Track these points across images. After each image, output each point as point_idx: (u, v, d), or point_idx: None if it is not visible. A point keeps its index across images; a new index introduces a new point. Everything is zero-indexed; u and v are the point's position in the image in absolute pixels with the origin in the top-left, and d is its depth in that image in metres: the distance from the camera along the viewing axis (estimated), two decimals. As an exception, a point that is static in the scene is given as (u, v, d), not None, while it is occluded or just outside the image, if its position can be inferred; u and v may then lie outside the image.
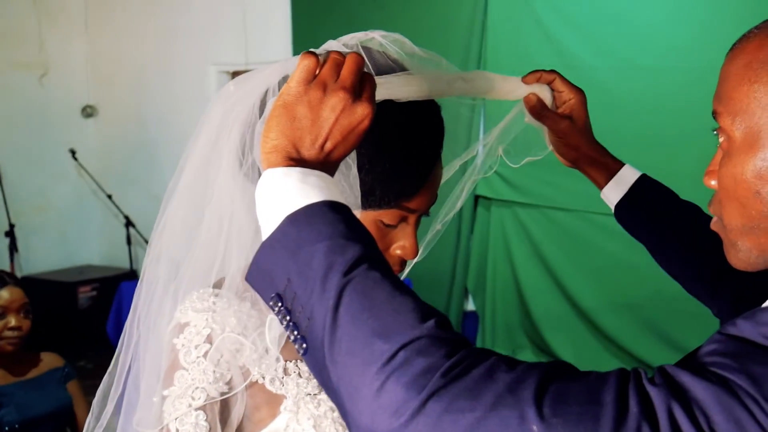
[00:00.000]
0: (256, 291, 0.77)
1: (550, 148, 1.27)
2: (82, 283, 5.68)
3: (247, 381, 0.94)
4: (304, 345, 0.71)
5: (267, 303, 0.75)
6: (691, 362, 0.68)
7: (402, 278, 1.02)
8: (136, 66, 6.19)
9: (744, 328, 0.68)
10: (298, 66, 0.81)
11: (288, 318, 0.72)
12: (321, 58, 0.83)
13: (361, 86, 0.83)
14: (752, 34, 0.79)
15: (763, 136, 0.75)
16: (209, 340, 0.94)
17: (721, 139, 0.81)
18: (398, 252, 1.01)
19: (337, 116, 0.80)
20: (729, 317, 1.15)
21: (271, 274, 0.74)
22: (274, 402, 0.95)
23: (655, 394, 0.64)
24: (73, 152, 6.06)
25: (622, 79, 4.41)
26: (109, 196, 5.93)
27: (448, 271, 5.06)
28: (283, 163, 0.78)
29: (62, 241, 6.28)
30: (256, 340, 0.95)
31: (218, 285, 0.99)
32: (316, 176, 0.78)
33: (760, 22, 0.80)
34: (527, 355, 4.91)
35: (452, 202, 1.24)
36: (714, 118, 0.82)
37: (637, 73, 4.38)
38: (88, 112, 6.42)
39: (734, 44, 0.81)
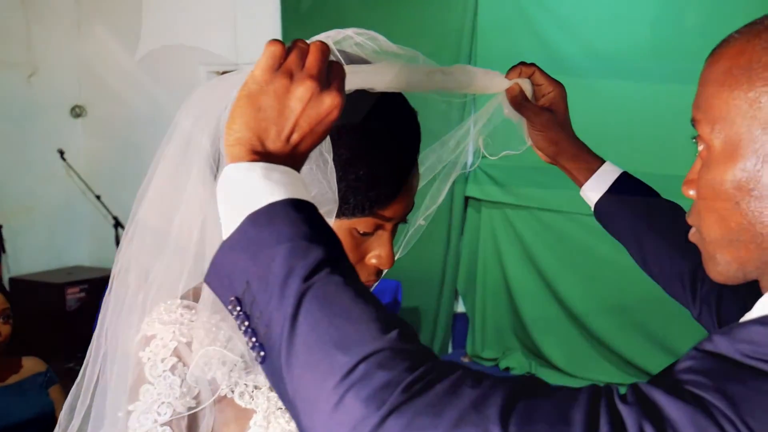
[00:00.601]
0: (215, 293, 0.74)
1: (529, 142, 1.24)
2: (70, 284, 5.62)
3: (215, 395, 0.91)
4: (262, 353, 0.68)
5: (226, 307, 0.72)
6: (666, 379, 0.65)
7: (373, 287, 1.00)
8: (125, 66, 6.15)
9: (721, 344, 0.66)
10: (263, 53, 0.77)
11: (247, 323, 0.69)
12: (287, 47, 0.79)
13: (330, 75, 0.79)
14: (732, 39, 0.76)
15: (744, 146, 0.72)
16: (176, 353, 0.91)
17: (700, 148, 0.78)
18: (374, 261, 0.98)
19: (304, 106, 0.76)
20: (709, 320, 1.13)
21: (230, 276, 0.71)
22: (243, 417, 0.92)
23: (627, 413, 0.61)
24: (61, 152, 6.01)
25: (613, 81, 4.40)
26: (98, 197, 5.88)
27: (438, 273, 5.05)
28: (246, 157, 0.75)
29: (51, 242, 6.24)
30: (231, 351, 0.92)
31: (187, 296, 0.96)
32: (280, 172, 0.74)
33: (741, 27, 0.78)
34: (517, 357, 4.91)
35: (434, 196, 1.22)
36: (693, 125, 0.79)
37: (627, 75, 4.38)
38: (76, 112, 6.38)
39: (714, 49, 0.78)
